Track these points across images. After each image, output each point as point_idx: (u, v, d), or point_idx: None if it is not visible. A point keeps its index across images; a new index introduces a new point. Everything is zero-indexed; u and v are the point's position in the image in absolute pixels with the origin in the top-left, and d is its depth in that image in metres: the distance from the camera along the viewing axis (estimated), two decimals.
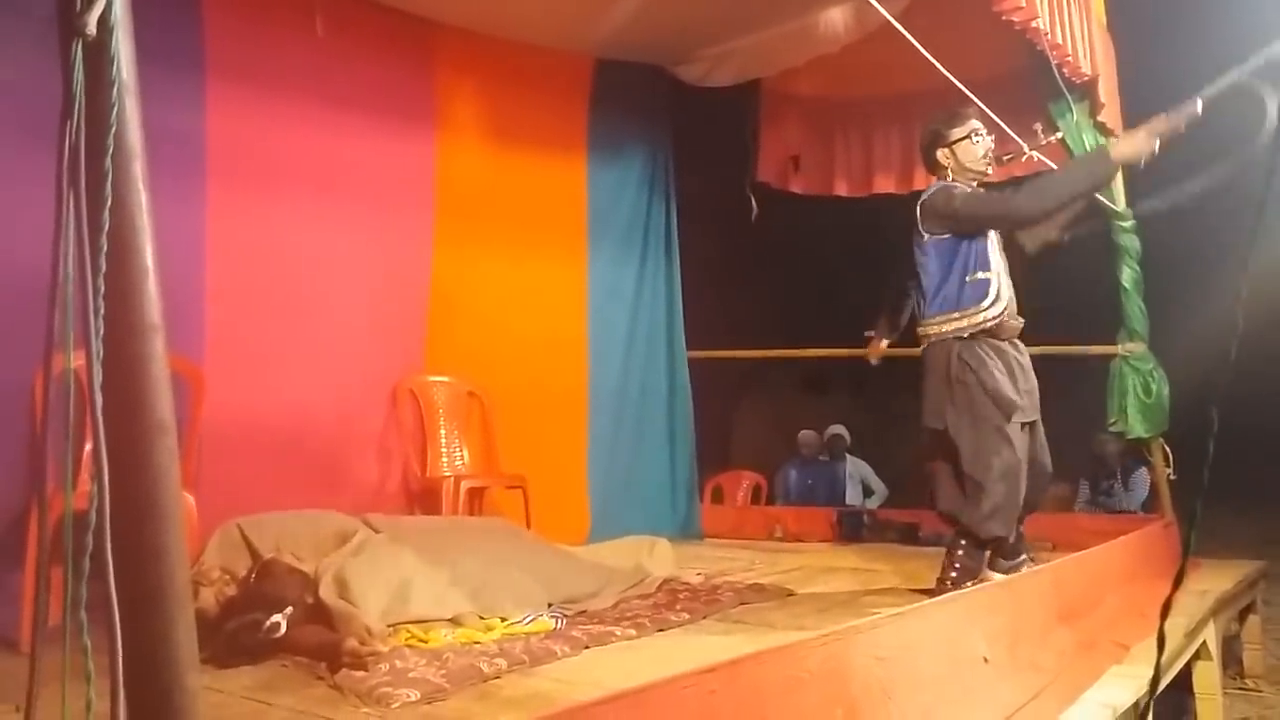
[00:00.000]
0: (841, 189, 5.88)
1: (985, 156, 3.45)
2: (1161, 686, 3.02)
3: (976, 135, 3.45)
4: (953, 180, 3.47)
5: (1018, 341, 3.43)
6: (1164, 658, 1.88)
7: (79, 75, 1.03)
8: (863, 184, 5.86)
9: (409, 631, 2.76)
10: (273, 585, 2.76)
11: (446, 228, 4.64)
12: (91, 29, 1.03)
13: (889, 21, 3.01)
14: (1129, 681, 2.75)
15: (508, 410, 4.69)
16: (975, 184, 3.48)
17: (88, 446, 2.56)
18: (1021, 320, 3.43)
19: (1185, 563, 1.29)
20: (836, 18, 4.71)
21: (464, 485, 4.16)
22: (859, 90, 5.67)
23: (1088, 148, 4.79)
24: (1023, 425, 3.31)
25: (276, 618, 2.57)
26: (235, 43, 3.81)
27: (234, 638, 2.54)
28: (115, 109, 1.04)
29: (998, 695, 2.41)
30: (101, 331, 1.02)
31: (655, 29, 4.82)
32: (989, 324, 3.28)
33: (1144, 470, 6.13)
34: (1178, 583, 1.26)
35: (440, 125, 4.66)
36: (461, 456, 4.50)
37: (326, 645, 2.51)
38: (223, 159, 3.77)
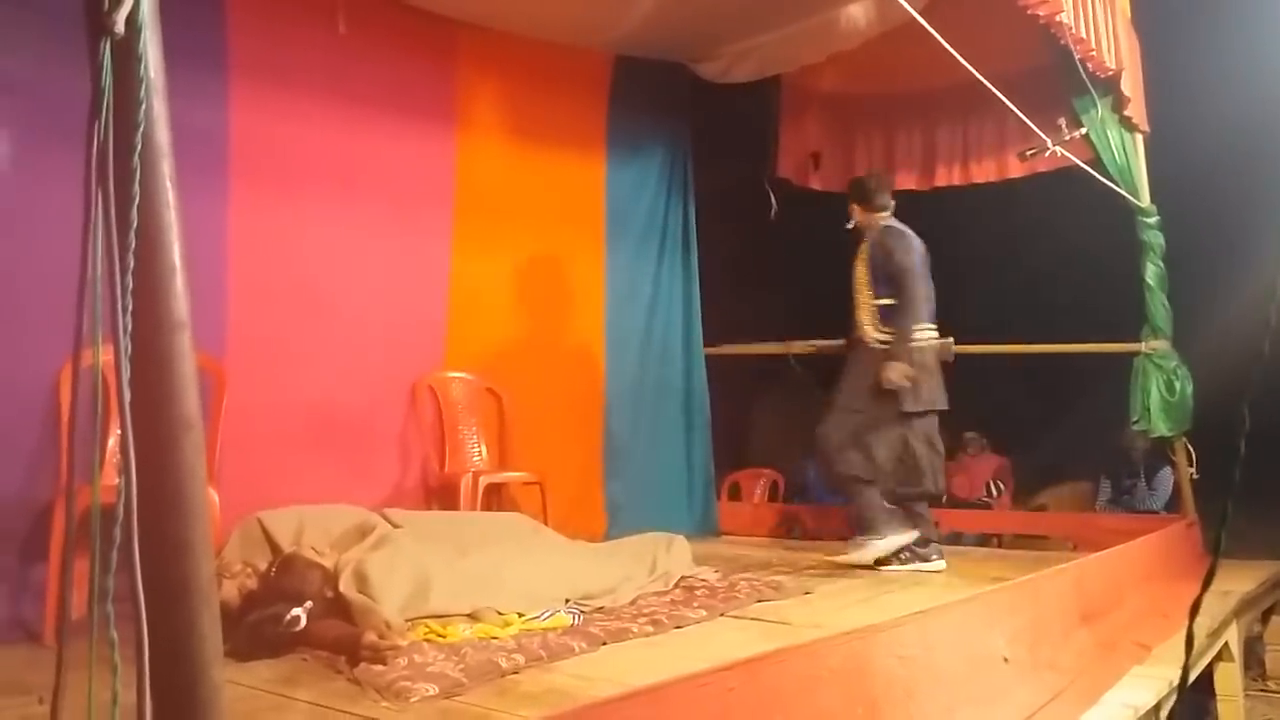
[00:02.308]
0: None
1: None
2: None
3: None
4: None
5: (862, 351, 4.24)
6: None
7: (107, 74, 1.04)
8: None
9: (427, 626, 2.78)
10: (293, 579, 2.78)
11: (466, 225, 4.65)
12: (120, 28, 1.04)
13: (910, 17, 2.99)
14: (1150, 682, 2.74)
15: (526, 407, 4.70)
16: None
17: (112, 442, 2.59)
18: (860, 336, 4.26)
19: (1215, 563, 1.27)
20: (857, 13, 4.69)
21: (482, 481, 4.17)
22: (880, 87, 5.64)
23: (1112, 143, 4.75)
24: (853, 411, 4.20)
25: (296, 611, 2.58)
26: (258, 41, 3.83)
27: (255, 631, 2.56)
28: (143, 108, 1.05)
29: (1018, 695, 2.40)
30: (130, 328, 1.03)
31: (675, 26, 4.81)
32: None
33: (1168, 470, 6.06)
34: (1207, 583, 1.25)
35: (460, 123, 4.67)
36: (480, 452, 4.52)
37: (346, 639, 2.52)
38: (245, 157, 3.79)
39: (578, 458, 5.04)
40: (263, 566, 2.94)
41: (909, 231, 4.21)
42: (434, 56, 4.55)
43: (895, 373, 4.01)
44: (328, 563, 2.92)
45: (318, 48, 4.05)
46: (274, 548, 3.08)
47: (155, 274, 1.07)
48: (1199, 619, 3.04)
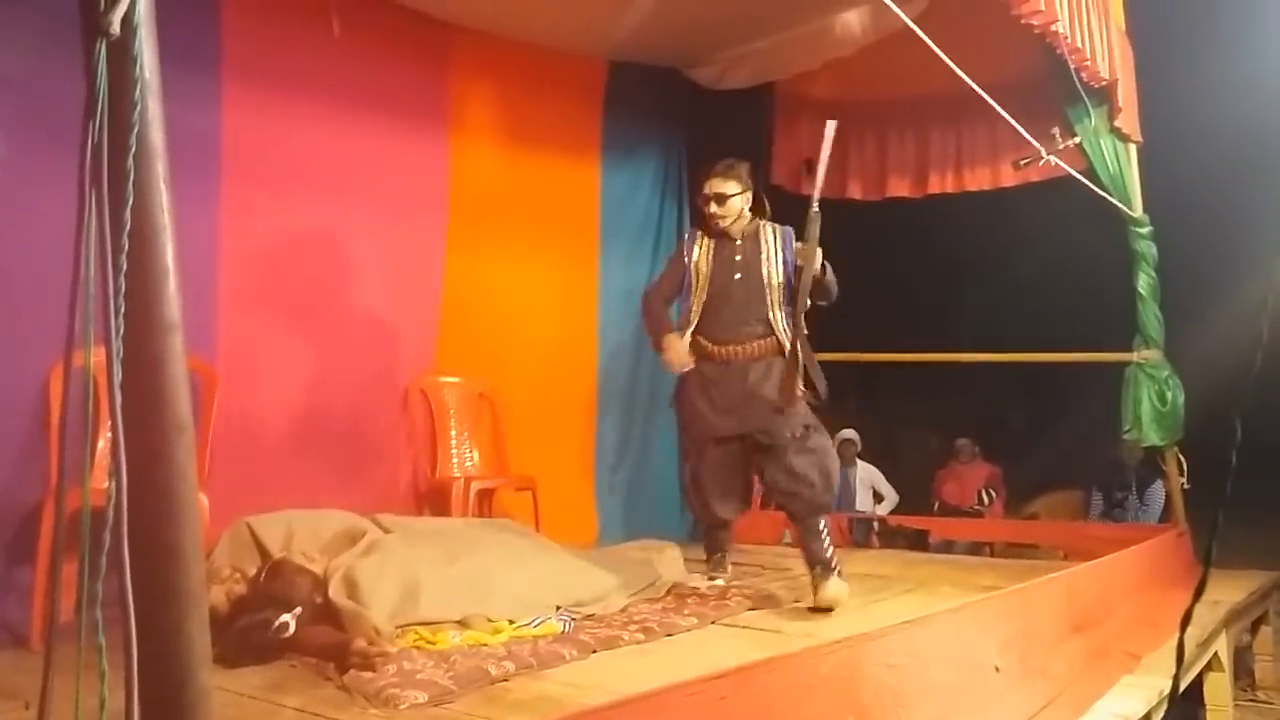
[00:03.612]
0: (855, 193, 5.87)
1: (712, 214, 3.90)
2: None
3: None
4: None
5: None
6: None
7: (102, 75, 1.03)
8: (876, 188, 5.85)
9: (417, 633, 2.76)
10: (282, 585, 2.76)
11: (460, 229, 4.64)
12: (115, 28, 1.03)
13: (905, 25, 3.00)
14: (1140, 691, 2.74)
15: (518, 411, 4.69)
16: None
17: (103, 444, 2.58)
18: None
19: (1207, 573, 1.27)
20: (852, 21, 4.71)
21: (474, 486, 4.16)
22: (874, 94, 5.65)
23: (1105, 153, 4.78)
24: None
25: (285, 617, 2.57)
26: (252, 43, 3.82)
27: (243, 637, 2.54)
28: (138, 109, 1.04)
29: (1009, 704, 2.40)
30: (121, 330, 1.03)
31: (670, 31, 4.82)
32: None
33: (1159, 484, 6.06)
34: (1198, 594, 1.25)
35: (455, 127, 4.67)
36: (471, 457, 4.50)
37: (335, 646, 2.51)
38: (237, 159, 3.77)
39: (570, 463, 5.03)
40: (252, 572, 2.92)
41: None
42: (428, 60, 4.55)
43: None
44: (317, 568, 2.91)
45: (311, 50, 4.04)
46: (263, 553, 3.06)
47: (148, 276, 1.06)
48: (1189, 629, 3.05)
